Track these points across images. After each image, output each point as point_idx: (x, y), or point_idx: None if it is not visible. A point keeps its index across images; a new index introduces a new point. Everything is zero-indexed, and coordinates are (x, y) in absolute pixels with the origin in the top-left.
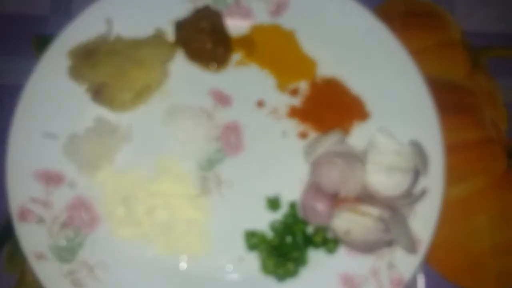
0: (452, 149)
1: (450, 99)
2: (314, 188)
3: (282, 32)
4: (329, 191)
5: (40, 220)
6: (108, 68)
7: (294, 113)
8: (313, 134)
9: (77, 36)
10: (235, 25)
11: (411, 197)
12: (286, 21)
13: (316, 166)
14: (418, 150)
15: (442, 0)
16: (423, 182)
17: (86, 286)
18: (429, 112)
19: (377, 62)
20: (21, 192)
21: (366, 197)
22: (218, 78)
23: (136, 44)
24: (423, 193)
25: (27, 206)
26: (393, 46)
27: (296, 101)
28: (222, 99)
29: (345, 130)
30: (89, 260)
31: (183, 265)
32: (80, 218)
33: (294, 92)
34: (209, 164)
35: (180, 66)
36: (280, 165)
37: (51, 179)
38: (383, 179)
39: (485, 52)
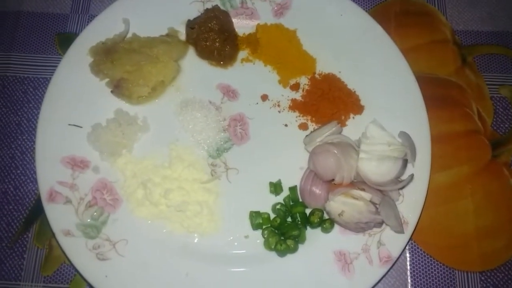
0: (440, 139)
1: (440, 93)
2: (312, 174)
3: (284, 31)
4: (325, 178)
5: (67, 201)
6: (126, 65)
7: (295, 106)
8: (312, 126)
9: (97, 35)
10: (242, 25)
11: (399, 182)
12: (288, 21)
13: (313, 154)
14: (407, 141)
15: (434, 1)
16: (411, 170)
17: (109, 259)
18: (418, 106)
19: (372, 60)
20: (50, 176)
21: (359, 182)
22: (226, 74)
23: (151, 43)
24: (411, 179)
25: (55, 189)
26: (386, 45)
27: (297, 95)
28: (229, 93)
29: (342, 122)
30: (112, 237)
31: (195, 241)
32: (103, 200)
33: (295, 87)
34: (218, 152)
35: (191, 62)
36: (282, 154)
37: (77, 164)
38: (375, 166)
39: (473, 50)
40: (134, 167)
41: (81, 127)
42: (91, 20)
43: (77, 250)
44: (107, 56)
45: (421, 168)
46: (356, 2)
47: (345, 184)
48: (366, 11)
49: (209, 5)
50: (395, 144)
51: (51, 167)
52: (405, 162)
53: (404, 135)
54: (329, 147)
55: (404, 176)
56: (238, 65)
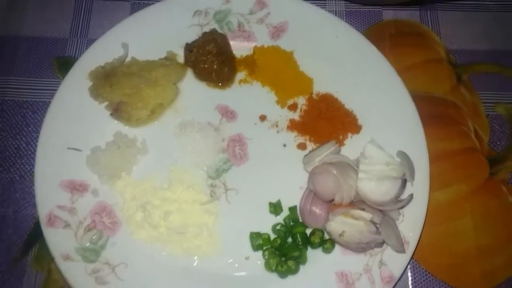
0: (438, 158)
1: (436, 112)
2: (312, 194)
3: (281, 53)
4: (325, 198)
5: (66, 225)
6: (125, 89)
7: (293, 126)
8: (310, 145)
9: (96, 59)
10: (239, 47)
11: (399, 202)
12: (284, 43)
13: (313, 175)
14: (406, 160)
15: (428, 21)
16: (410, 189)
17: (109, 283)
18: (415, 125)
19: (368, 80)
20: (49, 200)
21: (359, 202)
22: (224, 95)
23: (150, 66)
24: (410, 198)
25: (54, 213)
26: (382, 65)
27: (295, 116)
28: (228, 114)
29: (340, 142)
30: (111, 260)
31: (195, 264)
32: (103, 223)
33: (293, 107)
34: (217, 173)
35: (190, 85)
36: (281, 174)
37: (76, 188)
38: (374, 186)
39: (468, 68)
40: (133, 189)
41: (80, 150)
42: (90, 44)
43: (77, 275)
44: (106, 80)
45: (420, 187)
46: (351, 24)
47: (345, 204)
48: (361, 32)
49: (207, 29)
50: (393, 163)
51: (50, 191)
52: (404, 182)
53: (402, 155)
54: (328, 167)
55: (404, 195)
56: (236, 86)
